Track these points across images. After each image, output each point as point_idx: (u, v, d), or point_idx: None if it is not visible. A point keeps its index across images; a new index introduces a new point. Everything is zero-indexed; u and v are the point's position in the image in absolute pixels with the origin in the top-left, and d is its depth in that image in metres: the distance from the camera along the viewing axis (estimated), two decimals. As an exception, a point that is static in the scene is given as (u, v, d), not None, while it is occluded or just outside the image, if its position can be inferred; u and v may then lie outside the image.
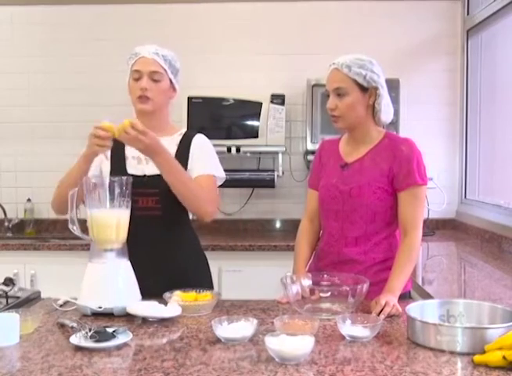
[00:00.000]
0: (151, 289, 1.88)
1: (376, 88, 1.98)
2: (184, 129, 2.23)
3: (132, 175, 1.97)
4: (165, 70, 2.10)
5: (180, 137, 2.17)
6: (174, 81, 2.14)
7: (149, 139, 1.90)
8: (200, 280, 2.18)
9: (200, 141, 2.19)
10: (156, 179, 2.03)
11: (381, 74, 2.01)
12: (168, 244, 2.14)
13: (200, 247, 2.30)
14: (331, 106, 2.00)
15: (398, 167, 1.98)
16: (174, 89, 2.17)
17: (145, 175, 2.08)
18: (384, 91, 2.00)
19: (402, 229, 2.00)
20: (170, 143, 2.11)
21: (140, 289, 1.88)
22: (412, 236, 1.95)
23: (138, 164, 2.12)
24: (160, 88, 2.10)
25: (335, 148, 2.15)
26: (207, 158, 2.16)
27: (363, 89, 1.97)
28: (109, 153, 2.04)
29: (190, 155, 2.13)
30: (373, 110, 2.01)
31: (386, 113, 2.03)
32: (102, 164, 2.12)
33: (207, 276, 2.28)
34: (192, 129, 2.42)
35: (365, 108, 2.00)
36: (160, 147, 1.95)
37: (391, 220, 2.03)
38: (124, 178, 1.85)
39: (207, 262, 2.29)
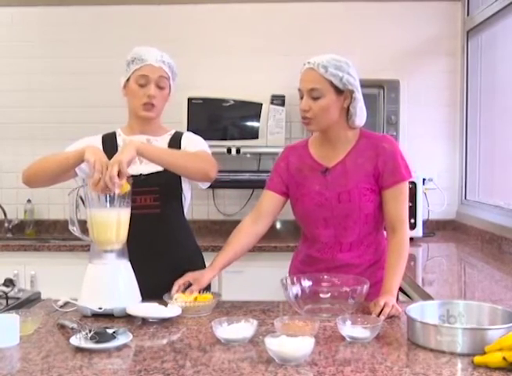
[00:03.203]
0: (149, 288, 1.88)
1: (352, 92, 1.93)
2: (173, 130, 2.25)
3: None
4: (169, 76, 2.12)
5: (170, 136, 2.20)
6: (172, 86, 2.16)
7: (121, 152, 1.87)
8: None
9: (189, 136, 2.23)
10: (154, 177, 2.05)
11: (357, 76, 1.95)
12: (168, 242, 2.15)
13: (197, 245, 2.31)
14: (304, 108, 1.94)
15: (383, 165, 1.96)
16: (169, 93, 2.19)
17: (141, 174, 2.08)
18: (359, 94, 1.95)
19: (389, 226, 1.98)
20: (160, 143, 2.15)
21: (139, 287, 1.88)
22: (402, 233, 1.95)
23: (133, 165, 2.12)
24: (163, 95, 2.13)
25: (304, 153, 2.08)
26: (199, 144, 2.17)
27: (338, 91, 1.92)
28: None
29: (182, 148, 2.15)
30: (346, 114, 1.96)
31: (360, 118, 1.98)
32: None
33: None
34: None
35: (338, 111, 1.94)
36: (133, 141, 1.93)
37: (380, 220, 2.03)
38: (124, 179, 1.85)
39: (204, 261, 2.29)
